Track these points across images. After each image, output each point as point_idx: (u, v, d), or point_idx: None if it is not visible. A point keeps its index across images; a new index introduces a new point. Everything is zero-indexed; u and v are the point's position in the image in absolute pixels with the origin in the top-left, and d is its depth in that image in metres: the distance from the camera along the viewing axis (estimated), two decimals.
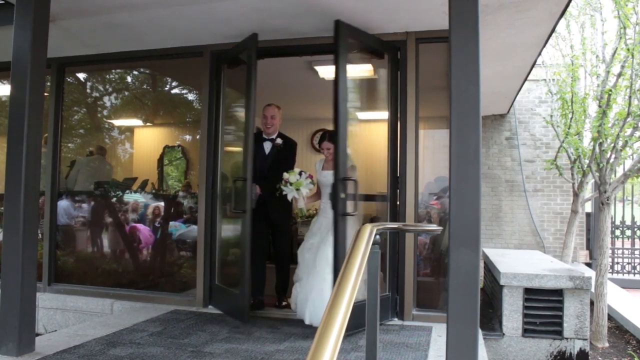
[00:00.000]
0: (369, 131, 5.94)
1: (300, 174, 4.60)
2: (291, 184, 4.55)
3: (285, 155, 5.14)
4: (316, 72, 6.23)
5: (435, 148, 5.09)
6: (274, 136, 5.16)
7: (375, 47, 4.73)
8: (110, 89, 6.56)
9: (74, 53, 5.76)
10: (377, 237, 1.87)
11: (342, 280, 1.35)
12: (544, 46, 5.61)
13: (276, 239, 5.32)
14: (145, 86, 6.53)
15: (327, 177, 4.55)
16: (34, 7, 3.58)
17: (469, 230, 2.83)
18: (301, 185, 4.51)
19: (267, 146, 5.14)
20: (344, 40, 4.22)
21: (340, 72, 4.16)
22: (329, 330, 1.15)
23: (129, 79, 6.51)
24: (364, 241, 1.52)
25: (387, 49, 4.75)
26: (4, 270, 3.52)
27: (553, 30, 5.09)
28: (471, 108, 2.92)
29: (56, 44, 5.00)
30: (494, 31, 4.88)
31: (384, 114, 4.83)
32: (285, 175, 4.60)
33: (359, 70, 5.30)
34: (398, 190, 4.69)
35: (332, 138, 4.38)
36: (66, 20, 4.84)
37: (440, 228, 2.40)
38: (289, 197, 4.58)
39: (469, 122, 2.91)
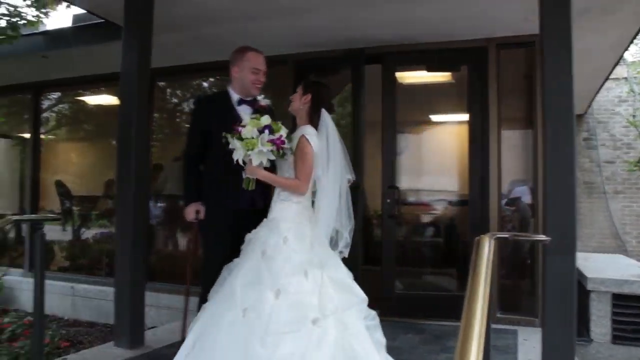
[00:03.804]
0: (447, 134, 5.91)
1: (265, 129, 2.82)
2: (242, 139, 2.81)
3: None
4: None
5: (505, 150, 5.01)
6: (259, 97, 3.44)
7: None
8: (189, 97, 6.89)
9: (160, 64, 6.12)
10: None
11: (472, 289, 1.45)
12: (628, 47, 5.45)
13: None
14: None
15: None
16: (141, 28, 3.91)
17: (564, 239, 2.85)
18: (255, 146, 2.78)
19: (244, 111, 3.32)
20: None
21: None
22: (470, 339, 1.26)
23: (210, 86, 6.81)
24: (486, 251, 1.61)
25: (470, 55, 4.82)
26: (117, 269, 3.84)
27: (638, 32, 4.96)
28: (565, 116, 2.96)
29: None
30: (577, 34, 4.78)
31: (464, 116, 4.94)
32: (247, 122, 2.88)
33: (439, 75, 5.35)
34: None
35: (308, 85, 3.09)
36: (160, 35, 5.17)
37: (548, 238, 2.43)
38: (235, 156, 2.86)
39: (564, 130, 2.96)
